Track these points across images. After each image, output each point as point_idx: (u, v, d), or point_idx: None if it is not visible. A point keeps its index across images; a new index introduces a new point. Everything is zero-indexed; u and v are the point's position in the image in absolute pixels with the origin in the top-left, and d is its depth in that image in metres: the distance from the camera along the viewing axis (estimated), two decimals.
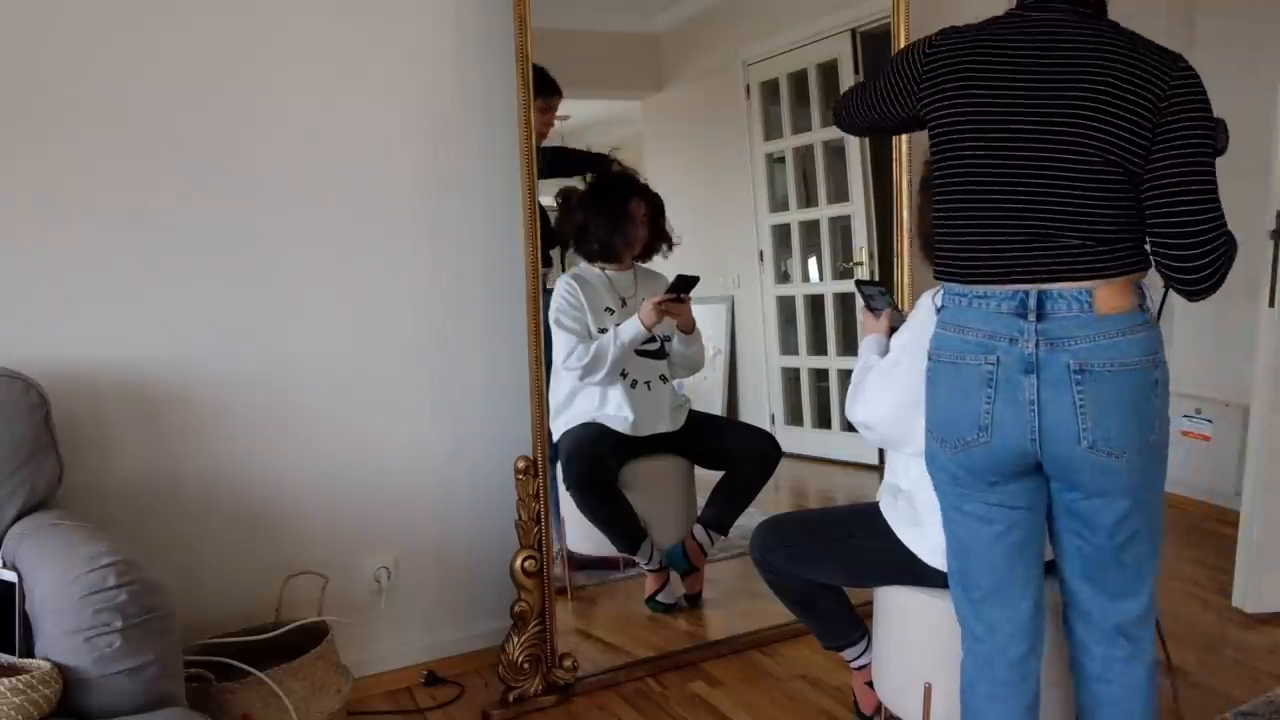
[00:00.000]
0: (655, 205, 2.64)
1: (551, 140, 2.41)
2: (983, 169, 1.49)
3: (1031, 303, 1.46)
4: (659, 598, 2.71)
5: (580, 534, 2.57)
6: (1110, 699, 1.64)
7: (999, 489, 1.56)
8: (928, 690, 1.77)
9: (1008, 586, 1.61)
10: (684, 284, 2.50)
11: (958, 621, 1.68)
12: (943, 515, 1.66)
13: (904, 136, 2.57)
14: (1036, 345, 1.46)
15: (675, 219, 2.65)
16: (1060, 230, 1.45)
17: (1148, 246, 1.50)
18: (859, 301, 2.11)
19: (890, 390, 1.80)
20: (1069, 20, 1.48)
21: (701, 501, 2.73)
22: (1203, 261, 1.43)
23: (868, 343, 2.01)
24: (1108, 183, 1.44)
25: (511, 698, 2.28)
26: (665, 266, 2.66)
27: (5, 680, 1.36)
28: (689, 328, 2.66)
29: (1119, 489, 1.51)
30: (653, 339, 2.60)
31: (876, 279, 2.79)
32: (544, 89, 2.26)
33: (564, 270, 2.57)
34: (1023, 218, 1.47)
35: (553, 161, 2.41)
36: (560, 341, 2.50)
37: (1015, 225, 1.47)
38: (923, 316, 1.76)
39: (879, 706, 2.01)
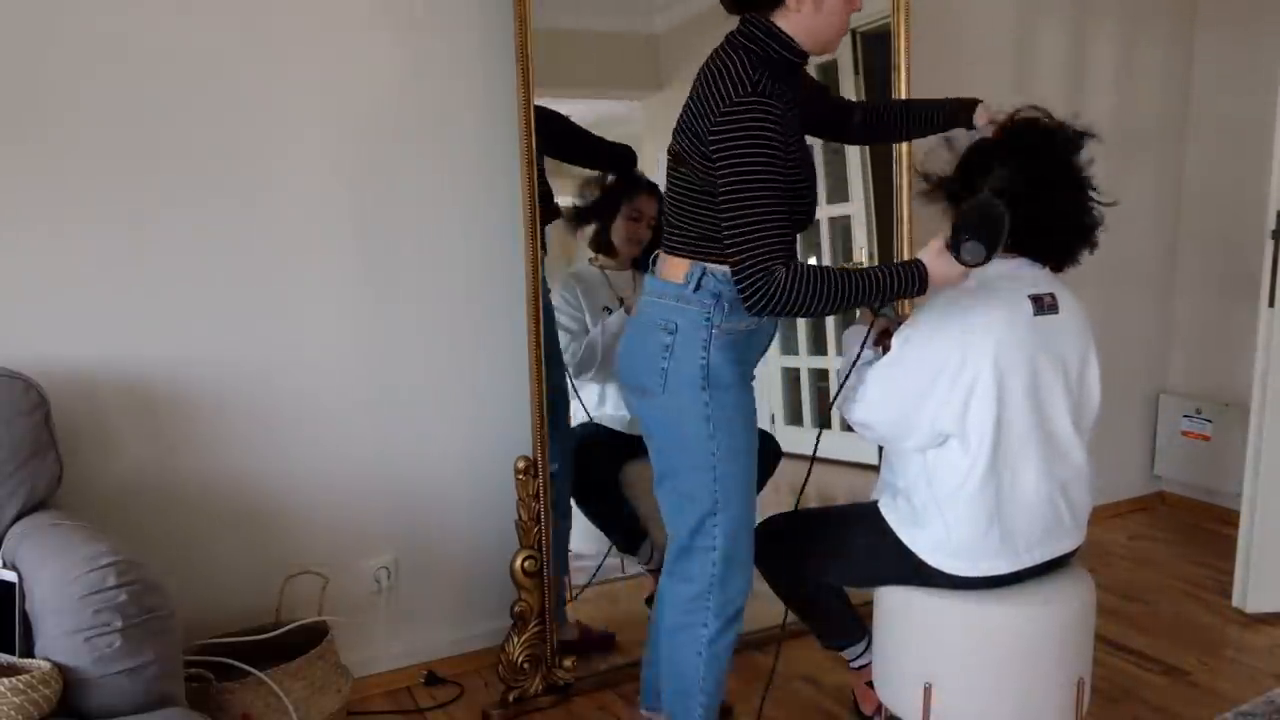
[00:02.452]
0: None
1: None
2: None
3: None
4: None
5: (580, 534, 2.56)
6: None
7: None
8: (928, 690, 1.77)
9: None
10: None
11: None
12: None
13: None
14: None
15: None
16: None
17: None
18: None
19: (892, 389, 1.79)
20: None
21: None
22: (738, 280, 1.58)
23: (851, 332, 1.98)
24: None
25: (511, 698, 2.28)
26: None
27: (5, 680, 1.36)
28: None
29: (644, 423, 1.81)
30: None
31: None
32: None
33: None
34: None
35: (564, 143, 2.35)
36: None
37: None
38: (928, 312, 1.76)
39: (879, 706, 2.01)
